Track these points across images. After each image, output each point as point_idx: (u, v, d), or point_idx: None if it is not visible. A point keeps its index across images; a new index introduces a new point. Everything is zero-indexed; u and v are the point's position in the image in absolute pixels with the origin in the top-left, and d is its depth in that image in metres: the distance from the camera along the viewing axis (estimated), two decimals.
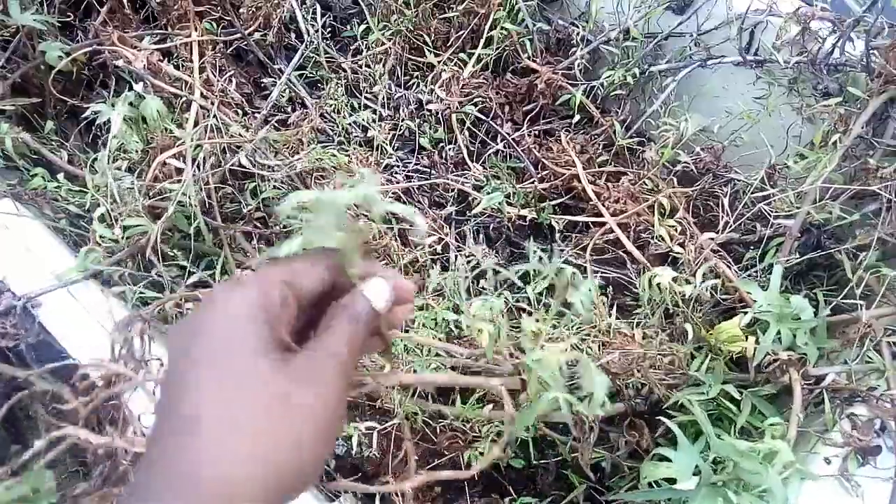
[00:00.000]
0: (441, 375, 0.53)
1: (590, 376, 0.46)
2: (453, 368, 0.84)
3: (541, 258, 0.59)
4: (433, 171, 1.19)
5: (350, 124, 1.23)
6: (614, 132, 1.18)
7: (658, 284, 0.83)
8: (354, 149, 1.16)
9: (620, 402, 0.82)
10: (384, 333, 0.45)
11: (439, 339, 0.87)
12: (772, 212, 0.97)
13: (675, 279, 0.82)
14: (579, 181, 1.10)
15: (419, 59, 1.30)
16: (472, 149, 1.22)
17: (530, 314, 1.01)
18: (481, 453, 0.80)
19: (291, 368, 0.36)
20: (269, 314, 0.37)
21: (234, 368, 0.35)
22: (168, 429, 0.35)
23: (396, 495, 0.74)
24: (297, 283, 0.39)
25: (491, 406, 0.71)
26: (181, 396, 0.35)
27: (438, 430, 0.84)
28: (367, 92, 1.27)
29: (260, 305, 0.37)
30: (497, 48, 1.24)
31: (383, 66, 1.27)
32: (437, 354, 0.84)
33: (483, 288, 1.02)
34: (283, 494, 0.35)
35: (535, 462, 0.87)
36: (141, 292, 0.92)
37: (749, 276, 0.96)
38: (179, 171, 0.98)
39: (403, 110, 1.23)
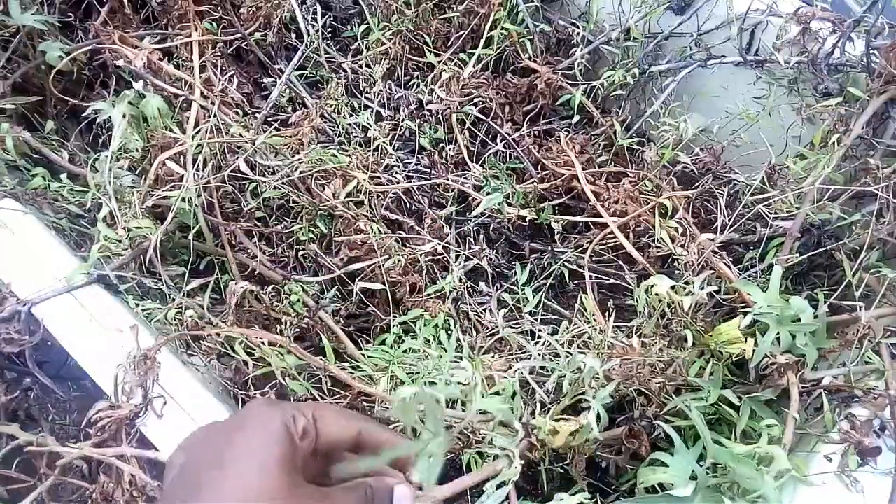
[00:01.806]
0: (448, 486, 0.55)
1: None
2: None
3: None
4: (433, 171, 1.19)
5: (350, 124, 1.23)
6: (614, 132, 1.18)
7: (656, 294, 0.83)
8: (354, 149, 1.17)
9: (623, 420, 0.82)
10: None
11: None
12: (771, 212, 0.97)
13: (673, 288, 0.82)
14: (579, 181, 1.10)
15: (419, 59, 1.30)
16: (472, 149, 1.22)
17: (531, 315, 1.02)
18: (480, 454, 0.81)
19: (304, 491, 0.41)
20: (292, 439, 0.42)
21: (260, 467, 0.40)
22: (193, 488, 0.39)
23: None
24: (322, 425, 0.44)
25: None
26: (216, 469, 0.40)
27: None
28: (367, 92, 1.27)
29: (286, 428, 0.42)
30: (497, 48, 1.24)
31: (383, 66, 1.27)
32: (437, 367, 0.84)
33: (481, 291, 1.02)
34: None
35: (535, 469, 0.87)
36: (143, 298, 0.92)
37: (749, 276, 0.96)
38: (180, 165, 0.99)
39: (403, 110, 1.23)
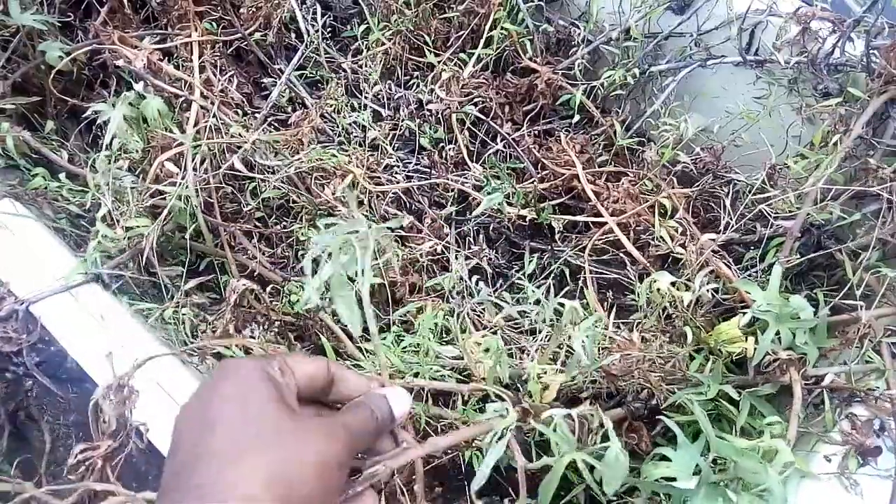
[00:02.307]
0: (448, 437, 0.55)
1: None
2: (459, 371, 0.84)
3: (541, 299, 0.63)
4: (433, 171, 1.19)
5: (350, 124, 1.23)
6: (614, 132, 1.18)
7: (658, 289, 0.82)
8: (354, 149, 1.16)
9: (619, 406, 0.82)
10: (396, 434, 0.50)
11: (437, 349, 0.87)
12: (772, 212, 0.97)
13: (673, 284, 0.82)
14: (579, 181, 1.10)
15: (419, 59, 1.30)
16: (472, 149, 1.22)
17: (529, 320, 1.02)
18: (480, 451, 0.80)
19: (300, 417, 0.41)
20: (272, 377, 0.42)
21: (247, 408, 0.40)
22: (185, 459, 0.38)
23: (402, 494, 0.74)
24: (293, 362, 0.45)
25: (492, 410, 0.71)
26: (201, 431, 0.39)
27: (440, 430, 0.84)
28: (367, 92, 1.27)
29: (262, 369, 0.42)
30: (497, 48, 1.24)
31: (383, 65, 1.27)
32: (437, 356, 0.84)
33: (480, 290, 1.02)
34: None
35: (535, 464, 0.87)
36: (140, 298, 0.92)
37: (749, 276, 0.96)
38: (179, 167, 0.98)
39: (403, 110, 1.23)
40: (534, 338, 0.92)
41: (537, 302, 0.90)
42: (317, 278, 0.41)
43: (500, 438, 0.57)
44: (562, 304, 0.68)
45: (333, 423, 0.43)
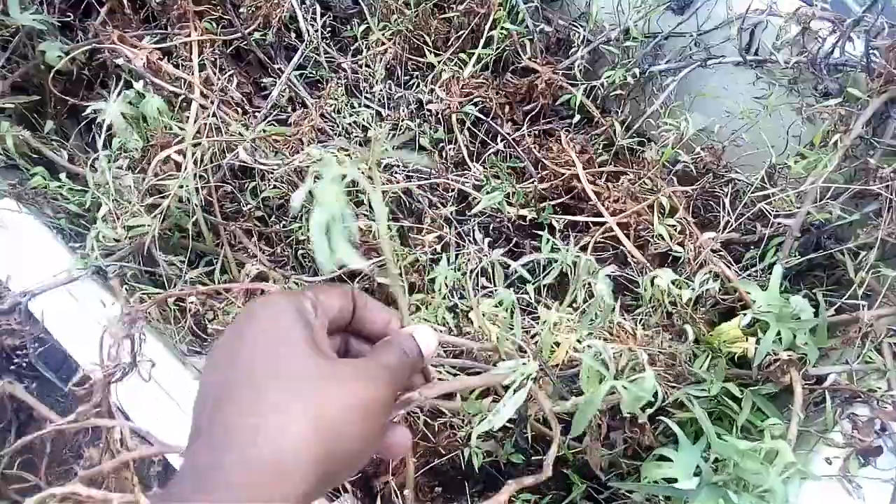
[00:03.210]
0: (475, 378, 0.54)
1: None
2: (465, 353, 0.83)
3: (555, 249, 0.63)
4: (433, 171, 1.19)
5: (350, 124, 1.22)
6: (614, 132, 1.18)
7: (658, 286, 0.82)
8: (354, 148, 1.16)
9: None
10: (426, 371, 0.50)
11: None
12: (772, 211, 0.97)
13: (674, 282, 0.82)
14: (579, 181, 1.10)
15: (419, 59, 1.30)
16: (472, 149, 1.22)
17: (534, 310, 1.01)
18: (482, 451, 0.80)
19: (340, 364, 0.40)
20: (305, 317, 0.41)
21: (283, 353, 0.38)
22: (224, 411, 0.36)
23: (397, 495, 0.74)
24: (320, 297, 0.44)
25: (491, 399, 0.71)
26: (236, 378, 0.37)
27: (437, 429, 0.84)
28: (367, 92, 1.27)
29: (297, 309, 0.41)
30: (497, 48, 1.24)
31: (383, 65, 1.27)
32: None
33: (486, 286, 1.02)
34: (332, 471, 0.37)
35: (533, 459, 0.87)
36: (141, 289, 0.92)
37: (749, 275, 0.96)
38: (179, 167, 0.98)
39: (403, 110, 1.23)
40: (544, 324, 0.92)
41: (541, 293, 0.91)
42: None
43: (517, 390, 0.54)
44: (577, 257, 0.68)
45: (372, 364, 0.42)
